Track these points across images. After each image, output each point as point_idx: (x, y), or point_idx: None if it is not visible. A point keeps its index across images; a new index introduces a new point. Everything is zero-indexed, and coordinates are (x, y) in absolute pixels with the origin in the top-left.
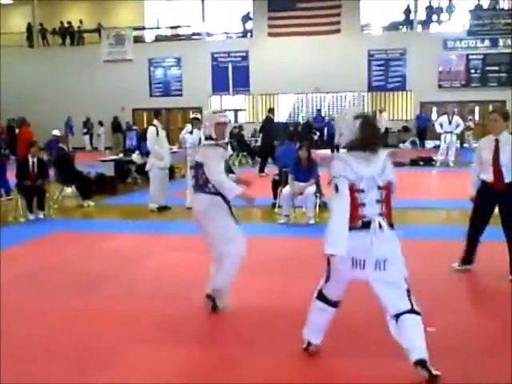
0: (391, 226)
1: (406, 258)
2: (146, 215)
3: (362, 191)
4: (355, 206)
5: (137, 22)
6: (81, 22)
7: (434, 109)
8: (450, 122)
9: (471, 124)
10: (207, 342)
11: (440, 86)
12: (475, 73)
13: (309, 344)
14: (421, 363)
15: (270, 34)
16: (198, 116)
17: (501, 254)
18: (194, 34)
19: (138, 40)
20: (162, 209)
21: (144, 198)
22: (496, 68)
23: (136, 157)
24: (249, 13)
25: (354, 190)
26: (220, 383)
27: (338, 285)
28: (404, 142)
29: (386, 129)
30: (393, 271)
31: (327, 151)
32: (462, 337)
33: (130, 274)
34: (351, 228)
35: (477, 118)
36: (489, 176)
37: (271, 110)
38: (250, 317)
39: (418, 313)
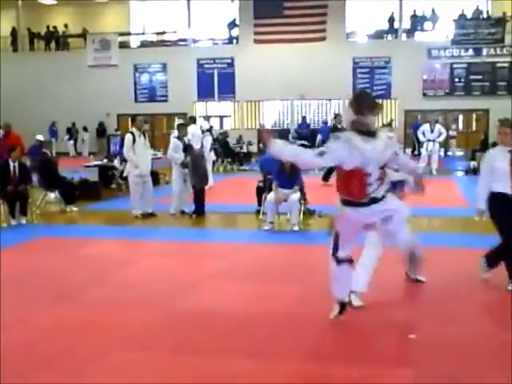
0: None
1: (390, 267)
2: (129, 221)
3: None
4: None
5: (122, 27)
6: (66, 26)
7: (419, 116)
8: (432, 131)
9: (454, 133)
10: (188, 348)
11: (424, 95)
12: (459, 81)
13: (342, 305)
14: None
15: (256, 41)
16: (182, 121)
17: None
18: (179, 40)
19: (124, 45)
20: (147, 216)
21: (128, 203)
22: (480, 77)
23: (117, 163)
24: (235, 19)
25: None
26: None
27: (349, 244)
28: None
29: None
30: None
31: None
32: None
33: (111, 280)
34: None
35: (460, 126)
36: (506, 188)
37: (337, 117)
38: (232, 323)
39: None
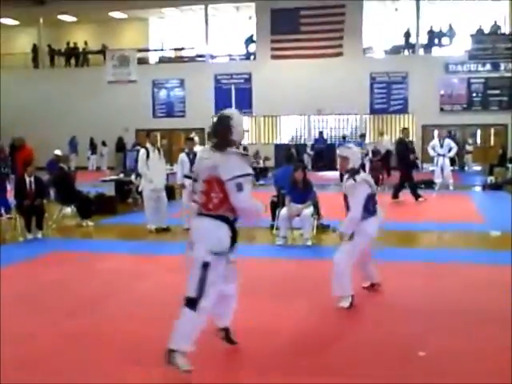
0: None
1: (409, 281)
2: (144, 236)
3: None
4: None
5: (141, 43)
6: (86, 43)
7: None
8: (441, 146)
9: (470, 148)
10: (199, 365)
11: (442, 109)
12: (476, 96)
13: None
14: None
15: (273, 57)
16: (192, 136)
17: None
18: (197, 56)
19: (142, 61)
20: (162, 230)
21: (143, 218)
22: (497, 92)
23: (134, 178)
24: (252, 35)
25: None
26: None
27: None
28: None
29: (388, 151)
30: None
31: (328, 173)
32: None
33: (125, 294)
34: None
35: (478, 141)
36: None
37: (405, 130)
38: (242, 339)
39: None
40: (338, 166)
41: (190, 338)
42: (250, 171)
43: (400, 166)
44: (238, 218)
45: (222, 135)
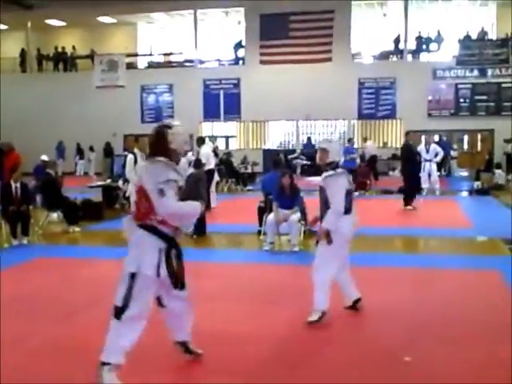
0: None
1: (396, 287)
2: None
3: None
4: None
5: (130, 48)
6: (74, 48)
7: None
8: (427, 151)
9: (455, 153)
10: (185, 372)
11: (429, 115)
12: (464, 102)
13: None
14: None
15: (262, 62)
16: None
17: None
18: (186, 61)
19: (131, 66)
20: None
21: None
22: (484, 97)
23: (121, 183)
24: (241, 41)
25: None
26: None
27: None
28: (394, 169)
29: (373, 156)
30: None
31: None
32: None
33: (108, 301)
34: None
35: (465, 146)
36: None
37: (408, 134)
38: (224, 346)
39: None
40: (318, 159)
41: (119, 349)
42: (173, 177)
43: (405, 171)
44: (175, 231)
45: (153, 145)
